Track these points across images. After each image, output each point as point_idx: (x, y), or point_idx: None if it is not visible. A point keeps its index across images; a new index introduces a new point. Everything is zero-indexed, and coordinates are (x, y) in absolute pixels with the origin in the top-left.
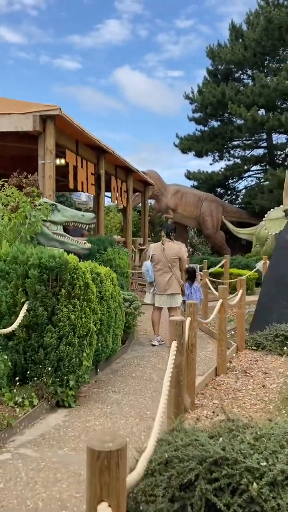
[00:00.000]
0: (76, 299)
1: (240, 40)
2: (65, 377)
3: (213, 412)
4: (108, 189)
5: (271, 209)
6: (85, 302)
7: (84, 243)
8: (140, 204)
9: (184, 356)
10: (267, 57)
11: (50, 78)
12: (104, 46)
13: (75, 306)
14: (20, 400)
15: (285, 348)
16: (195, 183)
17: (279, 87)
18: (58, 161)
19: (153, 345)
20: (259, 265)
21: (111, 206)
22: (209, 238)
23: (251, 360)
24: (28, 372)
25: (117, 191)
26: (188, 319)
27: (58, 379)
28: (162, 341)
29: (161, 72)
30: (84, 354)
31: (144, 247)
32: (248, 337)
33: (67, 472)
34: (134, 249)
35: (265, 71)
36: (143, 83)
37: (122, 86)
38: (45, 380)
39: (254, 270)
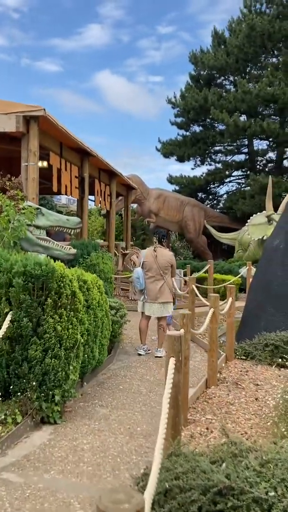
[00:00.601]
0: (62, 309)
1: (223, 46)
2: (50, 392)
3: (207, 429)
4: (91, 192)
5: (254, 215)
6: (72, 312)
7: (69, 249)
8: (123, 208)
9: (181, 373)
10: (249, 64)
11: (31, 80)
12: (85, 50)
13: (62, 316)
14: (3, 417)
15: (279, 360)
16: (177, 188)
17: (261, 94)
18: (40, 163)
19: (140, 355)
20: (244, 271)
21: (92, 209)
22: (191, 243)
23: (241, 371)
24: (11, 387)
25: (101, 195)
26: (182, 331)
27: (43, 394)
28: (149, 350)
29: (142, 77)
30: (71, 367)
31: (127, 251)
32: (237, 346)
33: (55, 501)
34: (117, 254)
35: (247, 77)
36: (123, 87)
37: (102, 90)
38: (29, 395)
39: (238, 276)
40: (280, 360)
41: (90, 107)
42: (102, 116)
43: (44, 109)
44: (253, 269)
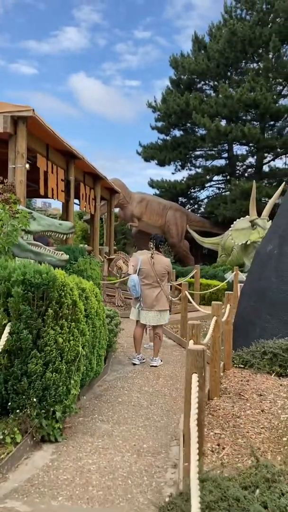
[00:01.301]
0: (63, 320)
1: (203, 51)
2: (51, 408)
3: (218, 445)
4: (76, 196)
5: (237, 219)
6: (73, 323)
7: (61, 255)
8: (106, 213)
9: (204, 390)
10: (230, 69)
11: (6, 82)
12: (62, 53)
13: (63, 327)
14: (1, 437)
15: (278, 368)
16: (157, 192)
17: (243, 99)
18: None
19: (134, 364)
20: (230, 276)
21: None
22: (173, 247)
23: (241, 381)
24: (9, 404)
25: (86, 199)
26: (191, 343)
27: (43, 410)
28: (143, 359)
29: (119, 81)
30: (72, 382)
31: (113, 256)
32: (234, 354)
33: None
34: (102, 259)
35: (228, 82)
36: (100, 91)
37: (78, 93)
38: (29, 412)
39: (225, 281)
40: (279, 368)
41: (66, 110)
42: (78, 119)
43: (33, 110)
44: (240, 274)
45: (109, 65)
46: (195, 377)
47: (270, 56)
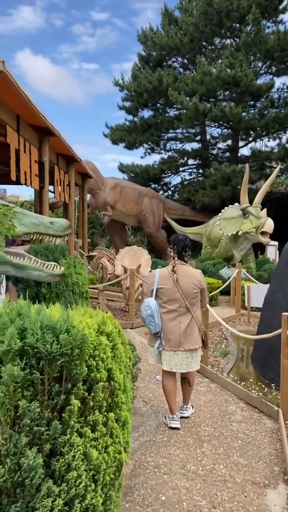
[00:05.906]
0: (97, 412)
1: (173, 26)
2: None
3: None
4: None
5: (226, 207)
6: (111, 413)
7: (54, 267)
8: (77, 200)
9: None
10: (205, 44)
11: None
12: (16, 32)
13: (96, 427)
14: None
15: None
16: (126, 177)
17: (222, 76)
18: None
19: (174, 428)
20: (234, 274)
21: (29, 202)
22: (150, 238)
23: None
24: None
25: (60, 185)
26: None
27: None
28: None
29: (76, 64)
30: None
31: (94, 253)
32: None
33: None
34: (80, 256)
35: (204, 58)
36: (53, 73)
37: (28, 74)
38: None
39: (229, 279)
40: None
41: None
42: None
43: (3, 61)
44: (233, 269)
45: (66, 47)
46: None
47: (249, 30)
